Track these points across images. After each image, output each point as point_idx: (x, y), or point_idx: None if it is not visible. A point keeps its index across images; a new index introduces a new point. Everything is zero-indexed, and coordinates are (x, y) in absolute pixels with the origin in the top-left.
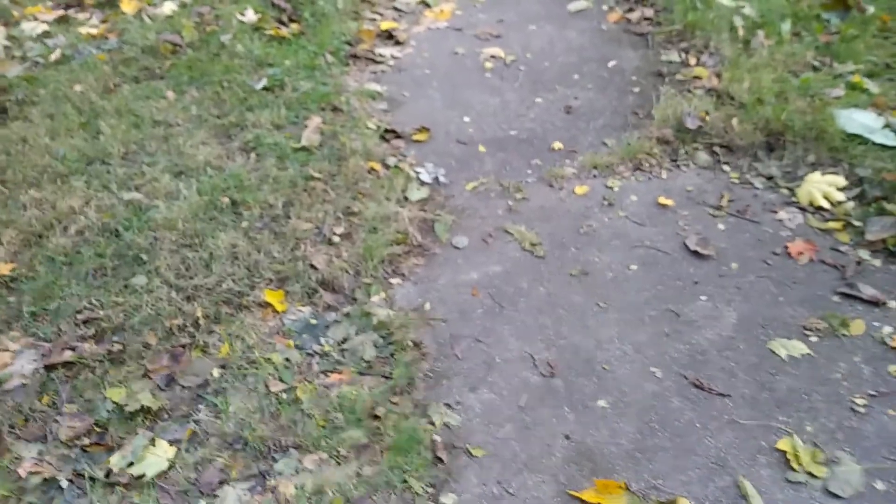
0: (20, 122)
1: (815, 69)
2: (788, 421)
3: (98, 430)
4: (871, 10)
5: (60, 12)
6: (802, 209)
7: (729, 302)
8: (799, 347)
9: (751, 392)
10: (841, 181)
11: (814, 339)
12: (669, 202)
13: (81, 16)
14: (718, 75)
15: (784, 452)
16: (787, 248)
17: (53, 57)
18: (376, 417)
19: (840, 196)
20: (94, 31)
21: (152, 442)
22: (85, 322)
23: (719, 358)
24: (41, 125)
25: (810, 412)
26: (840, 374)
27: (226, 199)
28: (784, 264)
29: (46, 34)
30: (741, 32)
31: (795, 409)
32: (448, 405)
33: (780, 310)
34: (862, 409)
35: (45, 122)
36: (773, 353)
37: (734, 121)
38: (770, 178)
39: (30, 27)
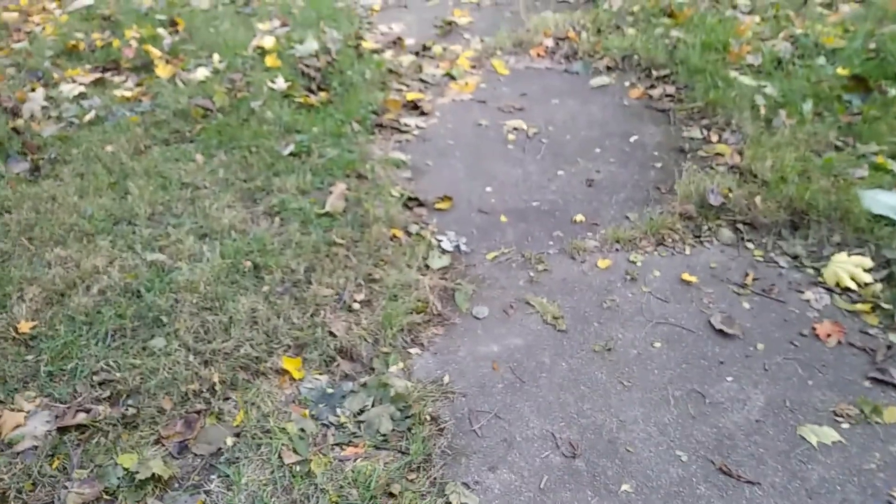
0: (51, 181)
1: (837, 149)
2: None
3: (107, 497)
4: (892, 92)
5: (98, 75)
6: (829, 290)
7: (756, 384)
8: (830, 434)
9: (781, 480)
10: (868, 262)
11: (845, 425)
12: (693, 279)
13: (117, 79)
14: (741, 153)
15: None
16: (814, 329)
17: (88, 118)
18: (392, 495)
19: (867, 278)
20: (128, 94)
21: None
22: (101, 384)
23: (747, 443)
24: (71, 184)
25: None
26: (875, 465)
27: (248, 263)
28: (812, 346)
29: (83, 95)
30: (763, 111)
31: (828, 501)
32: (466, 485)
33: (810, 394)
34: None
35: (76, 182)
36: (804, 439)
37: (757, 198)
38: (795, 257)
39: (68, 89)
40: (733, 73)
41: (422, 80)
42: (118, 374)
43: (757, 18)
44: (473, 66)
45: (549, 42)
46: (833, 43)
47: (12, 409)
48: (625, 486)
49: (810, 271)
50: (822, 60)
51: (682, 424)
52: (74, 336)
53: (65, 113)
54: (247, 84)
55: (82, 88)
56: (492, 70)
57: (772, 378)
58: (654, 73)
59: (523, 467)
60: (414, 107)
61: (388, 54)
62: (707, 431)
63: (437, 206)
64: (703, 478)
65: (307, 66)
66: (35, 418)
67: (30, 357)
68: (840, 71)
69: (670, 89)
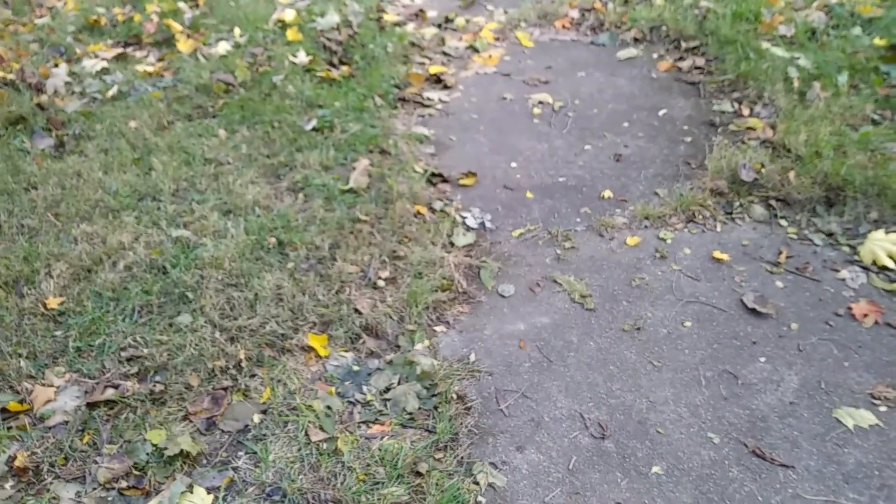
0: (76, 157)
1: (874, 123)
2: (859, 499)
3: (136, 473)
4: None
5: (120, 50)
6: (865, 268)
7: (790, 365)
8: (867, 417)
9: (816, 464)
10: None
11: (883, 408)
12: (725, 257)
13: (139, 54)
14: (773, 127)
15: None
16: (850, 309)
17: (111, 93)
18: (419, 474)
19: None
20: (150, 69)
21: (190, 488)
22: (129, 360)
23: (781, 425)
24: (96, 160)
25: (883, 490)
26: None
27: (273, 240)
28: (847, 326)
29: (105, 71)
30: (796, 84)
31: (866, 486)
32: (493, 464)
33: (845, 375)
34: None
35: (100, 157)
36: (839, 422)
37: (791, 174)
38: (830, 234)
39: (90, 64)
40: (765, 45)
41: (444, 53)
42: (145, 351)
43: None
44: (497, 39)
45: (575, 13)
46: (870, 12)
47: (43, 384)
48: (655, 469)
49: (846, 249)
50: (857, 30)
51: (714, 406)
52: (102, 312)
53: (88, 88)
54: (268, 58)
55: (104, 64)
56: (516, 42)
57: (806, 359)
58: (683, 44)
59: (551, 448)
60: (437, 80)
61: (411, 27)
62: (739, 413)
63: (462, 181)
64: (735, 460)
65: (329, 39)
66: (65, 393)
67: (58, 333)
68: (877, 41)
69: (700, 61)
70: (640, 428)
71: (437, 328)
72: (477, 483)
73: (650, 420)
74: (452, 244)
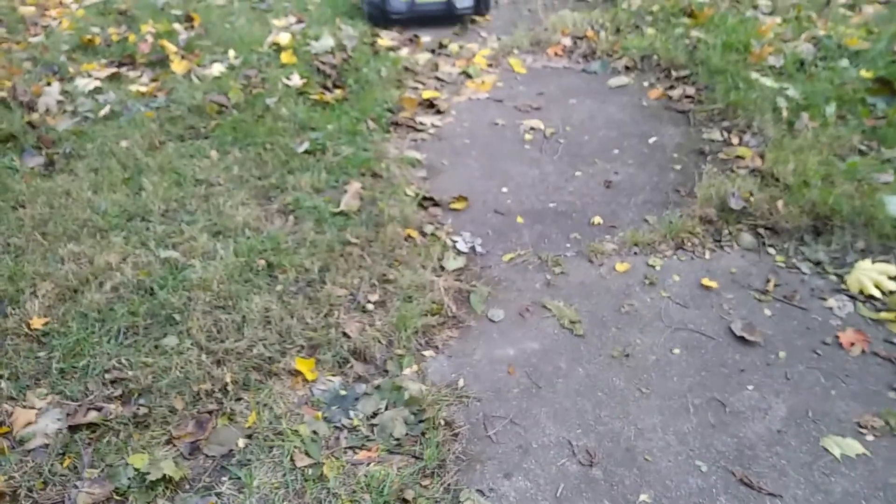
0: (65, 175)
1: (861, 153)
2: None
3: (118, 498)
4: None
5: (113, 70)
6: (852, 297)
7: (777, 393)
8: (854, 446)
9: (804, 493)
10: (893, 270)
11: (870, 437)
12: (713, 284)
13: (133, 74)
14: (762, 156)
15: None
16: (837, 337)
17: (103, 112)
18: (405, 501)
19: (892, 285)
20: (143, 89)
21: None
22: (113, 382)
23: (769, 454)
24: (85, 179)
25: None
26: None
27: (262, 262)
28: (835, 355)
29: (98, 90)
30: (785, 113)
31: None
32: (481, 492)
33: (833, 404)
34: None
35: (90, 177)
36: (827, 450)
37: (779, 203)
38: (818, 263)
39: (83, 83)
40: (754, 75)
41: (438, 79)
42: (130, 373)
43: (778, 19)
44: (490, 65)
45: (567, 41)
46: (857, 45)
47: (24, 406)
48: (643, 497)
49: (833, 278)
50: (845, 62)
51: (702, 433)
52: (87, 333)
53: (80, 107)
54: (262, 80)
55: (97, 83)
56: (508, 69)
57: (794, 387)
58: (674, 73)
59: (539, 475)
60: (430, 105)
61: (404, 52)
62: (727, 441)
63: (453, 206)
64: (723, 489)
65: (323, 62)
66: (46, 416)
67: (42, 354)
68: (864, 73)
69: (690, 90)
70: (627, 455)
71: (426, 353)
72: None
73: (638, 447)
74: (443, 268)
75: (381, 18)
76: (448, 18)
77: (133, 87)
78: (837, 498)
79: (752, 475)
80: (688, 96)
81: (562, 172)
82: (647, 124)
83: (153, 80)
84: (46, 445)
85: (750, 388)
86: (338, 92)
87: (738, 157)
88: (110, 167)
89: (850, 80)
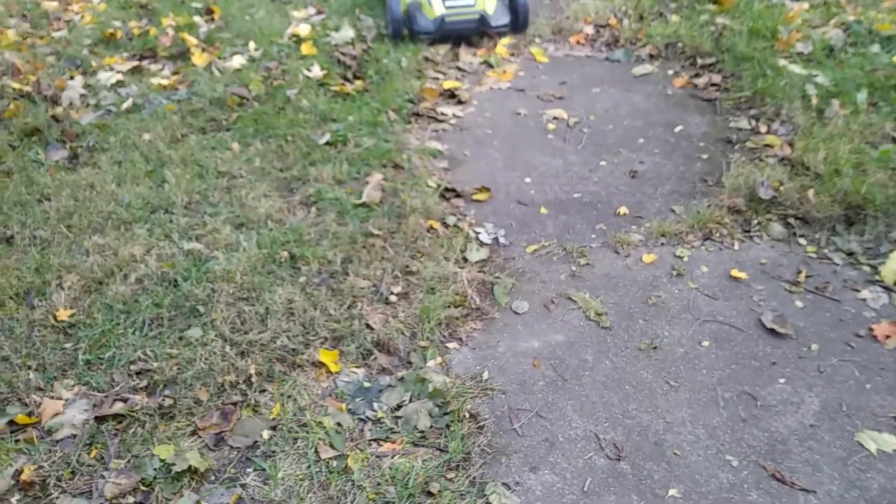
0: (89, 169)
1: (894, 141)
2: None
3: (144, 488)
4: None
5: (135, 63)
6: (887, 289)
7: (810, 387)
8: (890, 442)
9: (838, 490)
10: None
11: None
12: (742, 275)
13: (154, 67)
14: (791, 144)
15: None
16: (871, 330)
17: (125, 106)
18: (430, 494)
19: None
20: (165, 82)
21: None
22: (138, 373)
23: (801, 448)
24: (109, 172)
25: None
26: None
27: (285, 254)
28: (869, 348)
29: (120, 83)
30: (814, 101)
31: None
32: (506, 485)
33: (867, 398)
34: None
35: (113, 169)
36: (862, 445)
37: (810, 192)
38: (850, 253)
39: (105, 77)
40: (782, 62)
41: (459, 69)
42: (155, 364)
43: (806, 5)
44: (511, 54)
45: (590, 29)
46: (888, 30)
47: (51, 397)
48: (672, 491)
49: (867, 269)
50: (876, 48)
51: (732, 427)
52: (112, 325)
53: (103, 101)
54: (282, 72)
55: (119, 76)
56: (530, 58)
57: (827, 381)
58: (699, 61)
59: (566, 469)
60: (451, 95)
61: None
62: (758, 435)
63: (475, 197)
64: (754, 484)
65: (343, 54)
66: (73, 407)
67: (68, 345)
68: None
69: (716, 78)
70: (656, 449)
71: (450, 345)
72: None
73: (667, 441)
74: (466, 259)
75: (406, 38)
76: (481, 36)
77: (155, 81)
78: (874, 494)
79: (785, 470)
80: (714, 84)
81: (586, 162)
82: (672, 113)
83: (174, 72)
84: (74, 436)
85: (781, 381)
86: (358, 83)
87: (767, 145)
88: (133, 160)
89: (882, 66)
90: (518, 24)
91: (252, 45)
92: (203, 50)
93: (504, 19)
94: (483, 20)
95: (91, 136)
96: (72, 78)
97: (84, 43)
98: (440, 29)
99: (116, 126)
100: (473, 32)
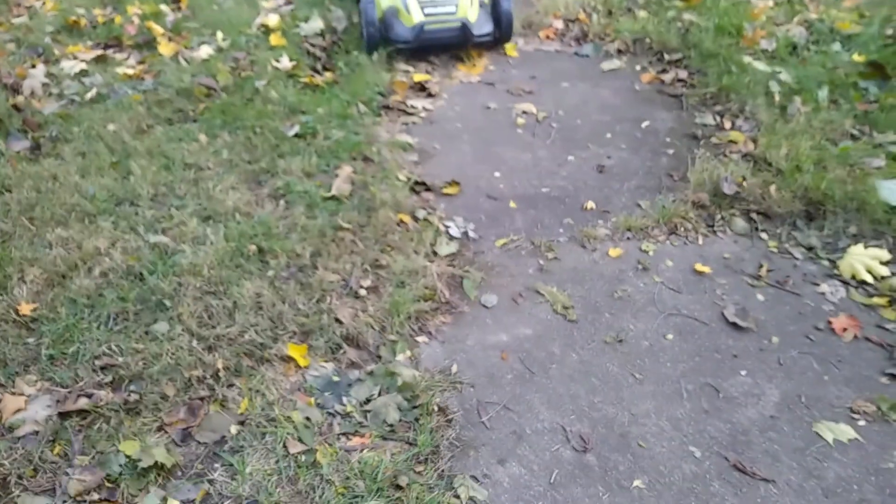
0: (52, 160)
1: (853, 138)
2: None
3: (109, 485)
4: None
5: (99, 52)
6: (845, 282)
7: (770, 378)
8: (846, 432)
9: (797, 478)
10: (885, 255)
11: (862, 423)
12: (706, 269)
13: (119, 56)
14: (755, 140)
15: None
16: (830, 323)
17: (89, 95)
18: (399, 487)
19: (884, 271)
20: (130, 72)
21: (164, 501)
22: (103, 368)
23: (762, 439)
24: (72, 163)
25: None
26: (893, 464)
27: (253, 247)
28: (827, 340)
29: (84, 73)
30: (777, 98)
31: (845, 500)
32: (474, 478)
33: (825, 389)
34: None
35: (77, 161)
36: (819, 436)
37: (772, 188)
38: (810, 248)
39: (69, 65)
40: (747, 59)
41: (429, 62)
42: (120, 359)
43: (770, 2)
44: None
45: (559, 24)
46: (849, 28)
47: (13, 393)
48: (637, 482)
49: (826, 263)
50: (837, 46)
51: (696, 419)
52: (76, 319)
53: (66, 90)
54: (251, 63)
55: (83, 65)
56: (500, 52)
57: (787, 373)
58: (667, 56)
59: (533, 461)
60: (421, 88)
61: None
62: (721, 427)
63: (445, 190)
64: (716, 474)
65: (312, 45)
66: (36, 403)
67: (31, 340)
68: (856, 57)
69: (683, 74)
70: (621, 441)
71: (419, 339)
72: (458, 497)
73: (632, 433)
74: (435, 253)
75: (382, 47)
76: (462, 45)
77: (120, 70)
78: (830, 483)
79: (746, 460)
80: (680, 80)
81: (554, 157)
82: (639, 108)
83: (140, 62)
84: (36, 432)
85: (743, 373)
86: (328, 75)
87: (731, 141)
88: (98, 151)
89: (843, 64)
90: (501, 32)
91: (220, 35)
92: (170, 39)
93: (487, 27)
94: (465, 29)
95: (54, 126)
96: (33, 66)
97: (46, 30)
98: (419, 38)
99: (80, 116)
100: (455, 43)
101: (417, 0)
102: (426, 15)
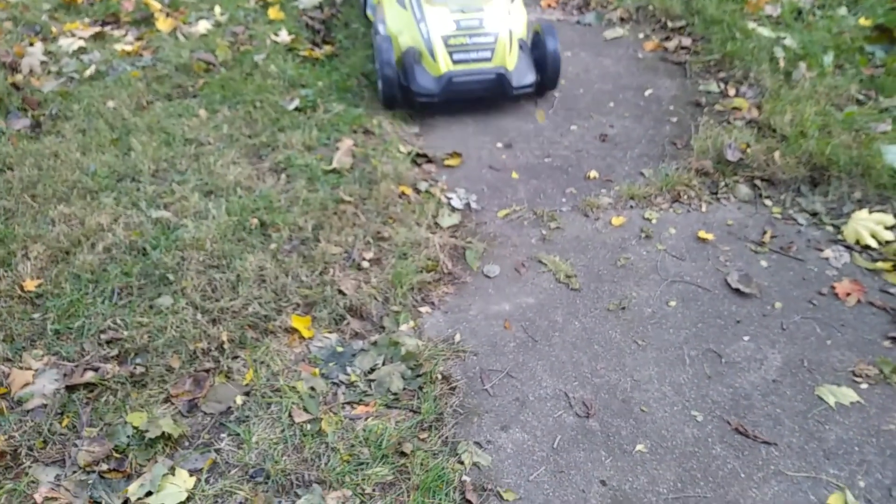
0: (53, 137)
1: (859, 103)
2: (839, 474)
3: (117, 455)
4: None
5: (97, 29)
6: (849, 248)
7: (773, 343)
8: (848, 395)
9: (798, 441)
10: (889, 220)
11: (864, 385)
12: (709, 236)
13: (117, 33)
14: (759, 107)
15: None
16: (833, 288)
17: (88, 73)
18: (403, 454)
19: (889, 235)
20: (129, 48)
21: (172, 471)
22: (108, 342)
23: (764, 403)
24: (73, 140)
25: (862, 465)
26: (894, 426)
27: (255, 221)
28: (831, 305)
29: (82, 50)
30: (782, 64)
31: (846, 462)
32: (478, 444)
33: (828, 353)
34: None
35: (78, 138)
36: (821, 399)
37: (776, 154)
38: (814, 214)
39: (67, 43)
40: (751, 25)
41: None
42: (125, 333)
43: None
44: None
45: None
46: None
47: (21, 368)
48: (639, 447)
49: (830, 229)
50: (843, 11)
51: (698, 384)
52: (80, 294)
53: (65, 68)
54: (249, 37)
55: (82, 43)
56: None
57: (789, 338)
58: (670, 24)
59: (536, 427)
60: None
61: None
62: (723, 391)
63: (447, 162)
64: (718, 438)
65: (311, 18)
66: (43, 377)
67: (36, 315)
68: (862, 21)
69: (686, 41)
70: (624, 406)
71: (422, 309)
72: (461, 462)
73: (634, 399)
74: (438, 225)
75: (403, 102)
76: (497, 97)
77: (118, 47)
78: (831, 445)
79: (748, 424)
80: (684, 47)
81: (557, 127)
82: (642, 77)
83: (138, 38)
84: (45, 406)
85: (746, 339)
86: (327, 48)
87: (735, 108)
88: (98, 128)
89: (849, 28)
90: (546, 81)
91: (217, 9)
92: (167, 15)
93: (529, 77)
94: (502, 79)
95: (53, 103)
96: (31, 44)
97: (43, 8)
98: (446, 90)
99: (80, 93)
100: (489, 93)
101: (445, 43)
102: (455, 62)
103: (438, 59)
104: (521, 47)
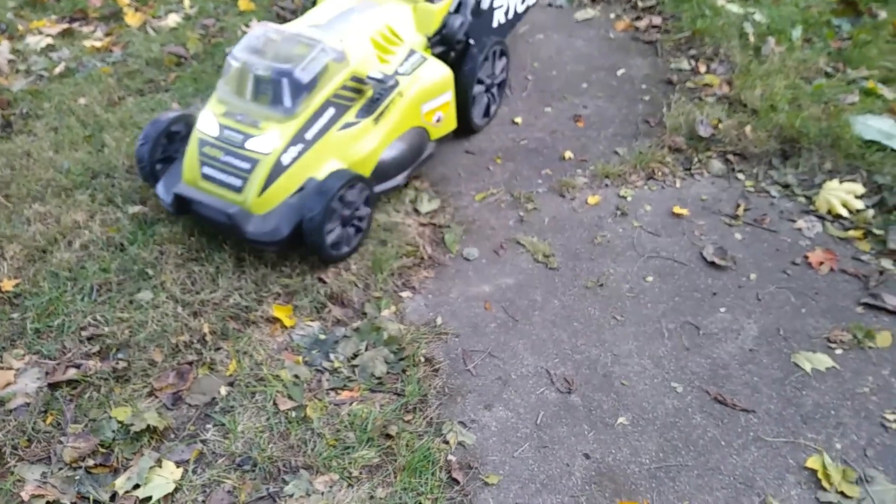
0: (24, 136)
1: (827, 75)
2: (816, 438)
3: (103, 450)
4: (882, 15)
5: (65, 26)
6: (821, 218)
7: (749, 314)
8: (824, 361)
9: (776, 408)
10: (859, 189)
11: (839, 351)
12: (684, 212)
13: (86, 29)
14: (730, 82)
15: (814, 471)
16: (806, 257)
17: (58, 70)
18: (389, 436)
19: (859, 204)
20: (98, 44)
21: (158, 463)
22: (90, 339)
23: (742, 372)
24: (45, 139)
25: (839, 428)
26: (868, 389)
27: None
28: (804, 274)
29: (51, 47)
30: (751, 39)
31: (823, 426)
32: (462, 423)
33: (803, 321)
34: (893, 425)
35: (50, 136)
36: (798, 366)
37: (747, 128)
38: (786, 186)
39: (34, 41)
40: (720, 2)
41: None
42: (106, 329)
43: None
44: None
45: None
46: None
47: (1, 368)
48: (621, 419)
49: (802, 200)
50: None
51: (677, 356)
52: (59, 292)
53: (33, 66)
54: (220, 29)
55: (49, 40)
56: None
57: (765, 307)
58: (640, 3)
59: (519, 404)
60: None
61: None
62: (701, 362)
63: None
64: (698, 408)
65: (282, 8)
66: (25, 376)
67: (15, 315)
68: None
69: (657, 20)
70: (605, 381)
71: (403, 294)
72: (447, 442)
73: (615, 373)
74: (416, 210)
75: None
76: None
77: (87, 43)
78: (808, 410)
79: (726, 393)
80: (654, 26)
81: (531, 109)
82: (614, 56)
83: (107, 34)
84: (28, 404)
85: (722, 310)
86: None
87: (706, 84)
88: (70, 125)
89: (816, 2)
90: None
91: (187, 2)
92: (136, 9)
93: (279, 230)
94: (232, 220)
95: (24, 102)
96: None
97: (8, 6)
98: (178, 208)
99: (50, 91)
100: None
101: (199, 149)
102: (203, 177)
103: (185, 165)
104: (301, 188)
